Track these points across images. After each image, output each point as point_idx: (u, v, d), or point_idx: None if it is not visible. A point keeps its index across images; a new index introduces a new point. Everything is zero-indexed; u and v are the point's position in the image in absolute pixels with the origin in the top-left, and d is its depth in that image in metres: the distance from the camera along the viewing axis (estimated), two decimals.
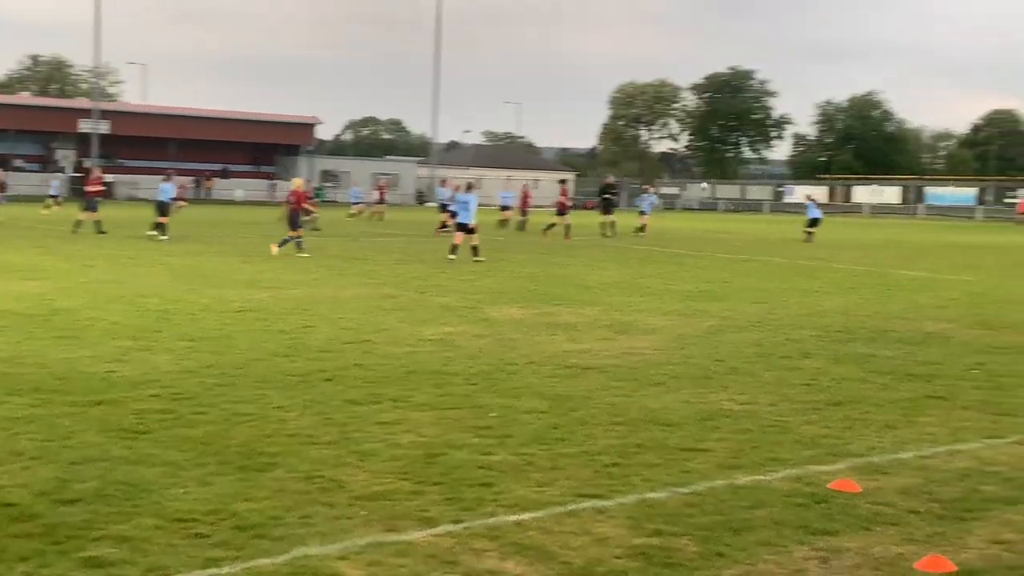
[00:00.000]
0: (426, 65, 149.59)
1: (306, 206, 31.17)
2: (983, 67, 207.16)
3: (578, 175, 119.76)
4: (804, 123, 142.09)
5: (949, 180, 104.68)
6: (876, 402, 10.36)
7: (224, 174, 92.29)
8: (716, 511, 6.81)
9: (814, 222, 42.49)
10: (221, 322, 14.66)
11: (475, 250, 27.28)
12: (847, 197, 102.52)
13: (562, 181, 46.51)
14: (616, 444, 8.46)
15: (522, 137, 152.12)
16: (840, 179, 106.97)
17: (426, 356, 12.36)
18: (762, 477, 7.63)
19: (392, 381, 10.76)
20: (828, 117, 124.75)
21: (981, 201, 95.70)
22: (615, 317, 16.44)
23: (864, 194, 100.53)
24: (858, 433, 9.07)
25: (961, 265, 30.34)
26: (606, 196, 42.77)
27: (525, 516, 6.59)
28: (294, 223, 28.17)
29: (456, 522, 6.45)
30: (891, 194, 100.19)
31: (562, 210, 40.23)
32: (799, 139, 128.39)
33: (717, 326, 15.70)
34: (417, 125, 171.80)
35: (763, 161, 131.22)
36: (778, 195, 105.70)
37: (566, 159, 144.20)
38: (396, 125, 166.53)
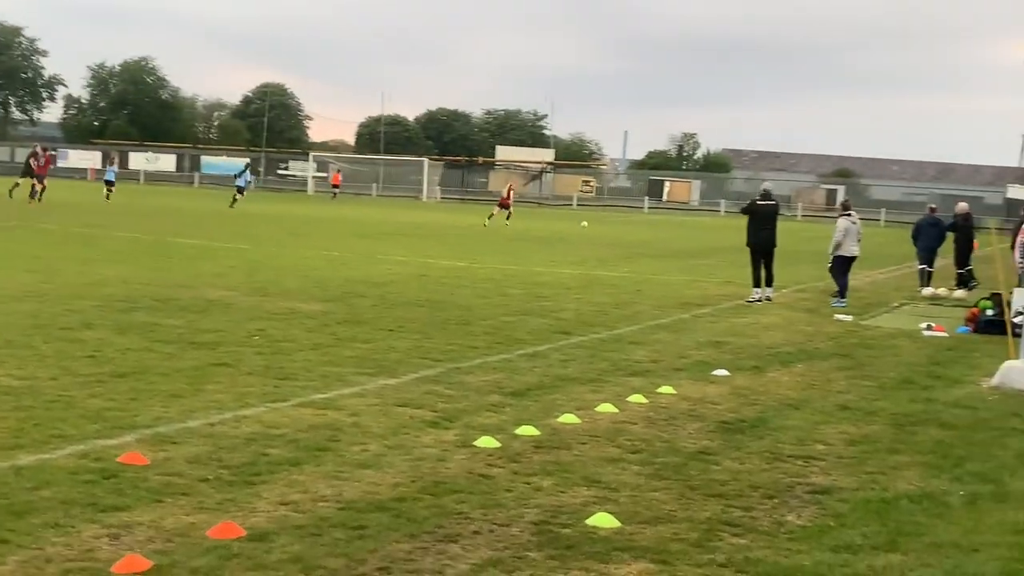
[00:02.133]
0: None
1: None
2: (254, 40, 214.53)
3: None
4: (78, 86, 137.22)
5: (223, 150, 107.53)
6: (162, 372, 10.36)
7: None
8: None
9: (110, 184, 49.80)
10: None
11: None
12: (123, 163, 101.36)
13: None
14: None
15: None
16: (115, 145, 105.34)
17: None
18: (47, 456, 7.29)
19: None
20: (101, 81, 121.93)
21: (254, 172, 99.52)
22: None
23: (140, 161, 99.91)
24: (145, 404, 9.00)
25: (238, 234, 31.27)
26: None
27: None
28: None
29: None
30: (167, 162, 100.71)
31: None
32: (72, 102, 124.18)
33: None
34: None
35: (34, 123, 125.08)
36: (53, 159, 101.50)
37: None
38: None
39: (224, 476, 7.12)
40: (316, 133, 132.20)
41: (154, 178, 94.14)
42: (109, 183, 50.95)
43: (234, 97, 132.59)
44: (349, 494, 6.86)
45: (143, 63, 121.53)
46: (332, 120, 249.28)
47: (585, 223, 50.68)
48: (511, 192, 48.23)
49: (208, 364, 10.87)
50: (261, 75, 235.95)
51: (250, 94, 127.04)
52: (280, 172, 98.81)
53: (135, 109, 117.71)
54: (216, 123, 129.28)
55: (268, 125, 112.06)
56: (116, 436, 7.92)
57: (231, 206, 48.89)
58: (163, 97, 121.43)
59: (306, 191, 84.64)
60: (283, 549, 5.84)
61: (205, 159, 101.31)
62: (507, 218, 45.63)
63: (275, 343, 12.36)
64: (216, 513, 6.36)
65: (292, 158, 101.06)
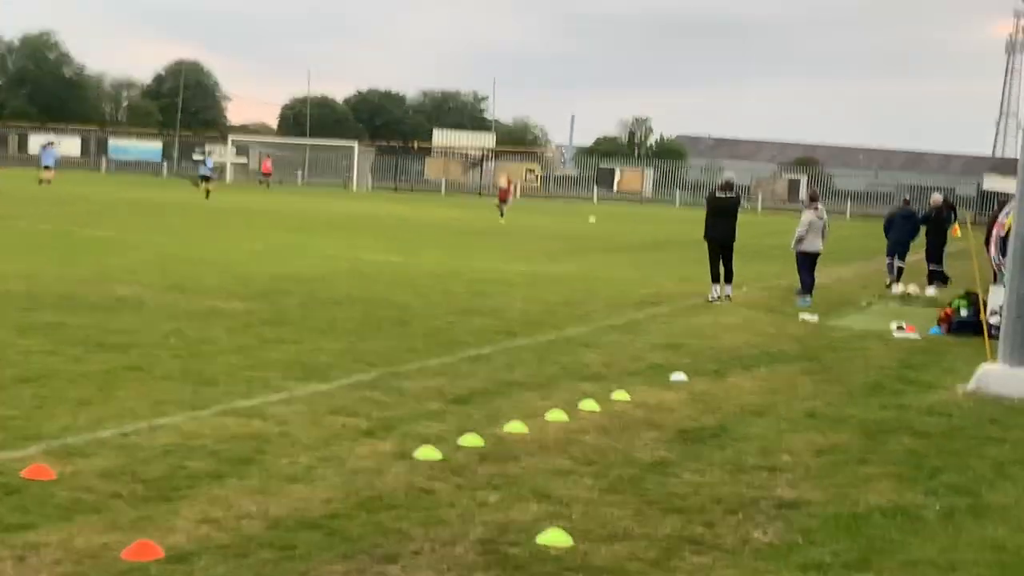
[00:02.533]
0: None
1: None
2: (166, 13, 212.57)
3: None
4: None
5: (133, 132, 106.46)
6: (69, 377, 10.24)
7: None
8: None
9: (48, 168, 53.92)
10: None
11: None
12: (22, 147, 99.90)
13: None
14: None
15: None
16: (14, 127, 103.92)
17: None
18: None
19: None
20: None
21: (168, 157, 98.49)
22: None
23: (40, 144, 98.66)
24: (50, 412, 8.89)
25: (150, 226, 31.00)
26: None
27: None
28: None
29: None
30: (70, 145, 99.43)
31: None
32: None
33: None
34: None
35: None
36: None
37: None
38: None
39: (139, 491, 7.05)
40: (235, 115, 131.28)
41: (57, 162, 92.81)
42: (47, 168, 53.26)
43: (145, 75, 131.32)
44: (277, 511, 6.82)
45: (44, 37, 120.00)
46: (253, 101, 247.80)
47: (593, 218, 50.68)
48: (511, 185, 49.08)
49: (119, 368, 10.77)
50: (174, 51, 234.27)
51: (162, 72, 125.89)
52: (196, 158, 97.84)
53: (35, 87, 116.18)
54: (125, 103, 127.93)
55: (182, 106, 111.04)
56: (19, 448, 7.82)
57: (206, 197, 51.53)
58: (66, 75, 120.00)
59: (224, 179, 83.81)
60: (205, 571, 5.80)
61: (113, 142, 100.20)
62: (501, 214, 45.84)
63: (193, 345, 12.26)
64: (131, 532, 6.29)
65: (209, 142, 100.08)
